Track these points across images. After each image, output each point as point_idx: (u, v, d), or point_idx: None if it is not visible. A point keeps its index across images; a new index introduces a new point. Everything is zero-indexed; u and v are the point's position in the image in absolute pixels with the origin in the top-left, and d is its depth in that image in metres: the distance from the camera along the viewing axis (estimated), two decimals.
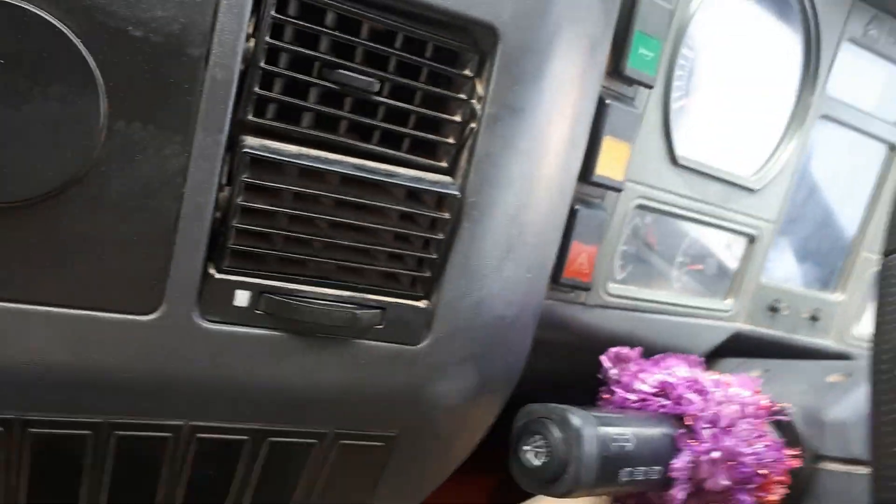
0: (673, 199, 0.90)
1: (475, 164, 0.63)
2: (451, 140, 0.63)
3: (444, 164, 0.64)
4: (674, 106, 0.87)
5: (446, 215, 0.63)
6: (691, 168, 0.90)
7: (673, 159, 0.88)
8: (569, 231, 0.79)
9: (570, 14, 0.64)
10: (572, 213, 0.78)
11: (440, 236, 0.64)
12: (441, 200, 0.63)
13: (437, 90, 0.61)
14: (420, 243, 0.64)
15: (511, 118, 0.63)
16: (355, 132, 0.61)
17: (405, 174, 0.62)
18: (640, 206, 0.88)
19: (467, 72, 0.62)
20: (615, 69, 0.76)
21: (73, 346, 0.55)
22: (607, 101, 0.76)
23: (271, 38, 0.55)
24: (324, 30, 0.57)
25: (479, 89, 0.63)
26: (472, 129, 0.63)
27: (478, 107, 0.63)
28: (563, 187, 0.72)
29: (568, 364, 0.88)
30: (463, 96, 0.62)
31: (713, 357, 1.07)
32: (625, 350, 0.84)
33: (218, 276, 0.59)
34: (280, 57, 0.56)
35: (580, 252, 0.80)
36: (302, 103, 0.58)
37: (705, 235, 1.00)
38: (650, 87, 0.79)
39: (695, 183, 0.91)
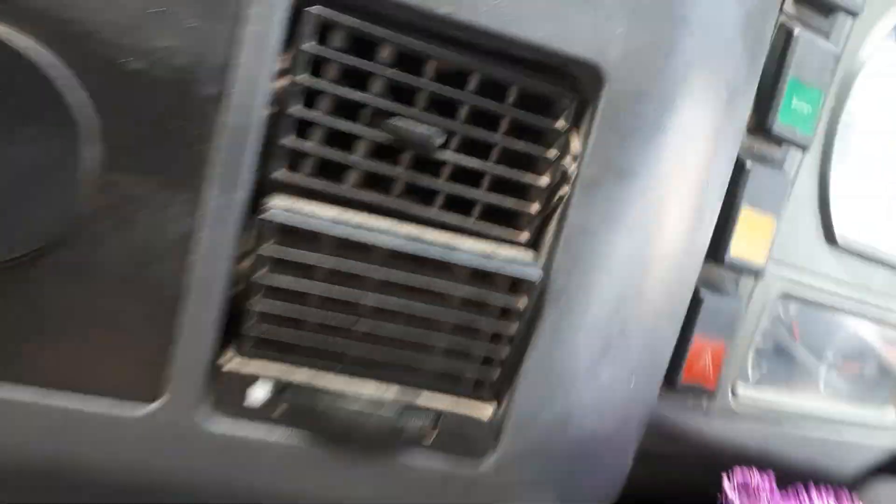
0: (827, 287, 0.70)
1: (565, 238, 0.47)
2: (535, 208, 0.48)
3: (524, 238, 0.48)
4: (833, 173, 0.67)
5: (523, 303, 0.47)
6: (853, 250, 0.69)
7: (830, 238, 0.68)
8: (690, 323, 0.60)
9: (702, 54, 0.47)
10: (696, 301, 0.60)
11: (514, 329, 0.48)
12: (517, 284, 0.48)
13: (521, 145, 0.46)
14: (488, 336, 0.49)
15: (616, 183, 0.47)
16: (414, 193, 0.47)
17: (471, 248, 0.46)
18: (786, 295, 0.68)
19: (560, 123, 0.46)
20: (760, 125, 0.58)
21: (55, 435, 0.44)
22: (748, 165, 0.58)
23: (310, 75, 0.42)
24: (377, 67, 0.43)
25: (575, 145, 0.47)
26: (564, 195, 0.47)
27: (572, 167, 0.47)
28: (684, 270, 0.54)
29: (680, 481, 0.69)
30: (553, 154, 0.47)
31: (866, 478, 0.83)
32: (753, 477, 0.64)
33: (232, 364, 0.46)
34: (320, 100, 0.43)
35: (704, 349, 0.62)
36: (346, 158, 0.44)
37: (864, 330, 0.78)
38: (804, 148, 0.60)
39: (856, 268, 0.70)
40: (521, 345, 0.49)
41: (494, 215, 0.48)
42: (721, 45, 0.48)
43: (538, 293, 0.48)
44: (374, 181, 0.46)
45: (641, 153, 0.47)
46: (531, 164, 0.48)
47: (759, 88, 0.57)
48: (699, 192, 0.52)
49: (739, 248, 0.59)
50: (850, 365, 0.79)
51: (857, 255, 0.69)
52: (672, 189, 0.49)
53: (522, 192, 0.48)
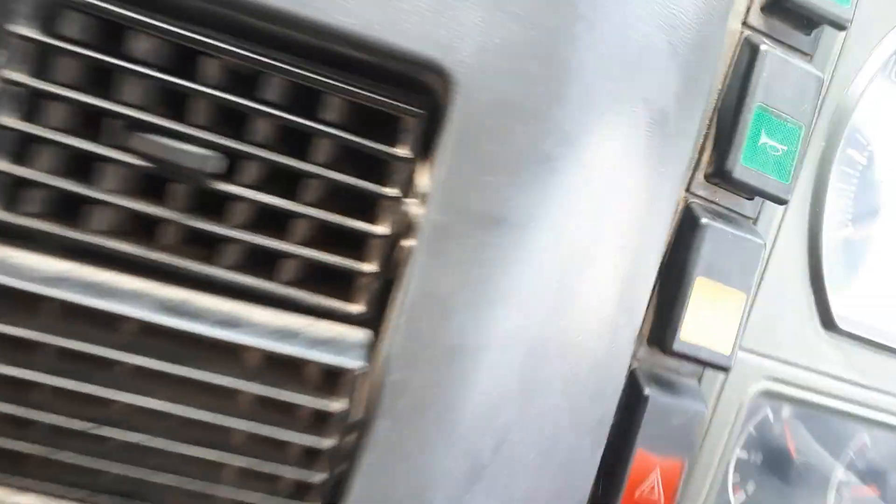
0: (826, 385, 0.53)
1: (409, 311, 0.33)
2: (370, 267, 0.33)
3: (357, 309, 0.34)
4: (831, 237, 0.52)
5: (342, 405, 0.33)
6: (857, 337, 0.53)
7: (827, 321, 0.52)
8: (628, 432, 0.45)
9: (604, 58, 0.34)
10: (636, 403, 0.45)
11: (334, 443, 0.33)
12: (335, 377, 0.33)
13: (346, 179, 0.33)
14: (299, 453, 0.34)
15: (479, 234, 0.33)
16: (204, 243, 0.33)
17: (266, 323, 0.32)
18: (767, 394, 0.52)
19: (403, 149, 0.33)
20: (718, 168, 0.44)
21: None
22: (703, 221, 0.44)
23: (31, 74, 0.30)
24: (127, 65, 0.31)
25: (423, 181, 0.33)
26: (408, 249, 0.33)
27: (418, 212, 0.33)
28: (604, 360, 0.39)
29: None
30: (394, 192, 0.33)
31: None
32: None
33: None
34: (47, 108, 0.31)
35: (650, 466, 0.45)
36: (82, 190, 0.31)
37: (884, 440, 0.61)
38: (781, 201, 0.45)
39: (864, 360, 0.54)
40: (345, 465, 0.34)
41: (317, 278, 0.34)
42: (636, 48, 0.34)
43: (364, 392, 0.33)
44: (139, 224, 0.32)
45: (517, 193, 0.33)
46: (366, 206, 0.34)
47: (719, 122, 0.44)
48: (619, 253, 0.37)
49: (694, 331, 0.44)
50: (867, 484, 0.61)
51: (864, 344, 0.53)
52: (571, 245, 0.35)
53: (357, 245, 0.34)
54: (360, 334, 0.33)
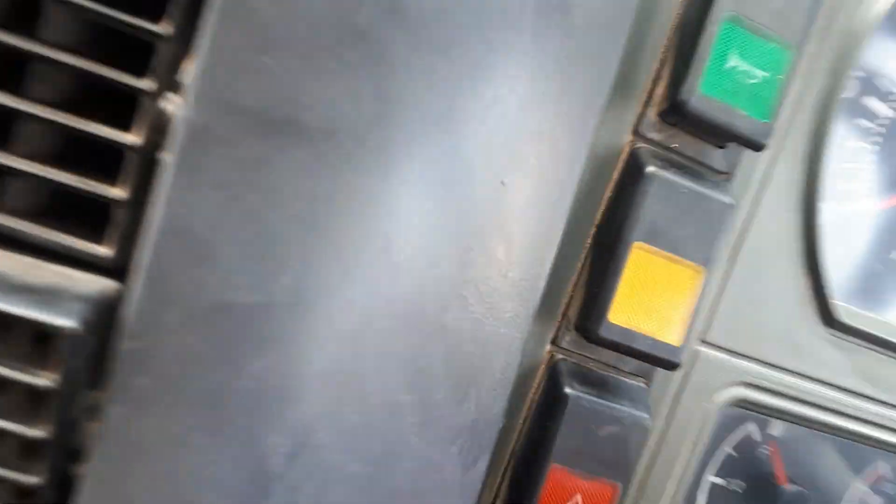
0: (826, 397, 0.41)
1: (156, 255, 0.23)
2: (118, 192, 0.24)
3: (103, 252, 0.24)
4: (839, 207, 0.39)
5: (47, 381, 0.23)
6: (868, 335, 0.40)
7: (826, 315, 0.39)
8: (542, 444, 0.34)
9: None
10: (554, 405, 0.34)
11: (43, 432, 0.23)
12: (46, 343, 0.23)
13: (74, 61, 0.23)
14: (16, 447, 0.24)
15: (254, 142, 0.23)
16: None
17: None
18: (744, 404, 0.40)
19: (163, 26, 0.23)
20: (673, 99, 0.33)
21: None
22: (648, 169, 0.32)
23: None
24: None
25: (185, 69, 0.23)
26: (163, 162, 0.23)
27: (178, 110, 0.23)
28: (475, 338, 0.28)
29: None
30: (145, 84, 0.23)
31: None
32: None
33: None
34: None
35: (569, 492, 0.34)
36: None
37: None
38: (756, 146, 0.33)
39: (876, 367, 0.41)
40: (73, 464, 0.24)
41: (67, 205, 0.24)
42: None
43: (91, 360, 0.23)
44: None
45: (311, 84, 0.22)
46: (120, 107, 0.24)
47: (678, 42, 0.33)
48: (494, 191, 0.26)
49: (628, 313, 0.33)
50: None
51: (873, 345, 0.40)
52: (408, 172, 0.24)
53: (115, 161, 0.24)
54: (93, 284, 0.23)
